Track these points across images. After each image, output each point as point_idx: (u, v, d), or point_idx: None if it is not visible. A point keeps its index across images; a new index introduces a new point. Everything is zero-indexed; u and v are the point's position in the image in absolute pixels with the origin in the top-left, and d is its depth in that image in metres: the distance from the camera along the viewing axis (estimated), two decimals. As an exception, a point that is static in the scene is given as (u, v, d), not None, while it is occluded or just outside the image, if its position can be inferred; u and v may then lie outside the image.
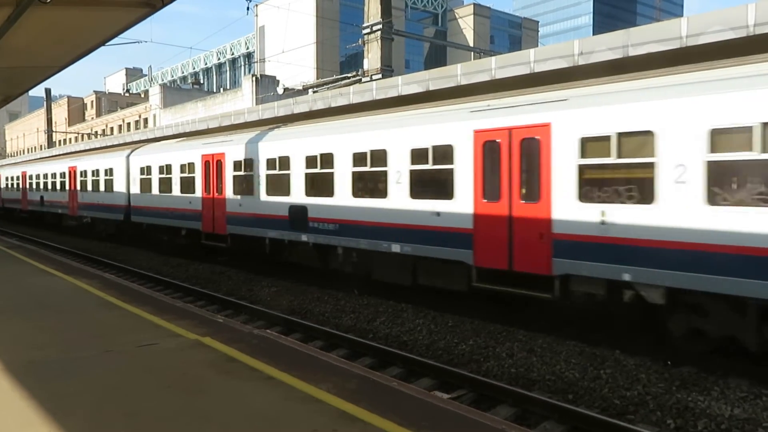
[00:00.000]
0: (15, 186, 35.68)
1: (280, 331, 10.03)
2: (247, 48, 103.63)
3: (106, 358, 6.20)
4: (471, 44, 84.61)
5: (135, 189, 21.08)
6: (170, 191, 18.80)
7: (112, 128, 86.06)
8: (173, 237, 19.31)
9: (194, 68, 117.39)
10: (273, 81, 56.85)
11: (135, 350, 6.50)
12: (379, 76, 24.60)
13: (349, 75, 32.46)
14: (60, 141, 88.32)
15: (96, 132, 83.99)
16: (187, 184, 17.91)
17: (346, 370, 5.90)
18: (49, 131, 72.16)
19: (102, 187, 23.68)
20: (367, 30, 26.12)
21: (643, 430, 6.14)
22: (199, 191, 17.33)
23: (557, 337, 9.17)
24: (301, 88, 43.86)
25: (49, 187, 29.04)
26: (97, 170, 24.16)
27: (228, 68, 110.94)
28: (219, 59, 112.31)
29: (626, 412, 6.68)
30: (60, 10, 10.21)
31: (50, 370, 5.78)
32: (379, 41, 25.59)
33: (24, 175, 33.51)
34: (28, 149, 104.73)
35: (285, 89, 49.03)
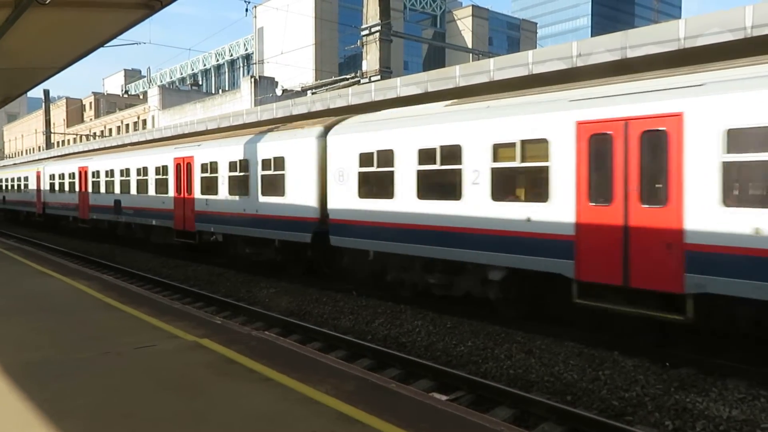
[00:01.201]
0: (67, 186, 27.64)
1: (278, 332, 10.02)
2: (246, 49, 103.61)
3: (105, 360, 6.19)
4: (469, 46, 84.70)
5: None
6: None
7: (110, 130, 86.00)
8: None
9: (193, 69, 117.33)
10: (272, 82, 56.85)
11: (133, 352, 6.49)
12: (378, 77, 24.62)
13: (347, 76, 32.47)
14: (58, 142, 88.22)
15: (95, 133, 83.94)
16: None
17: (344, 372, 5.90)
18: (48, 132, 72.06)
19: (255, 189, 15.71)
20: (366, 31, 26.14)
21: (642, 431, 6.15)
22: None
23: (556, 338, 9.17)
24: (299, 89, 43.88)
25: (134, 187, 21.68)
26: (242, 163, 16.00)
27: (227, 69, 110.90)
28: (218, 60, 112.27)
29: (625, 414, 6.68)
30: (58, 12, 10.20)
31: (48, 372, 5.77)
32: (378, 43, 25.62)
33: (83, 171, 25.77)
34: (26, 150, 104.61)
35: (284, 90, 49.04)
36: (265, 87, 54.88)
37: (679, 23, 11.63)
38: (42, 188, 30.64)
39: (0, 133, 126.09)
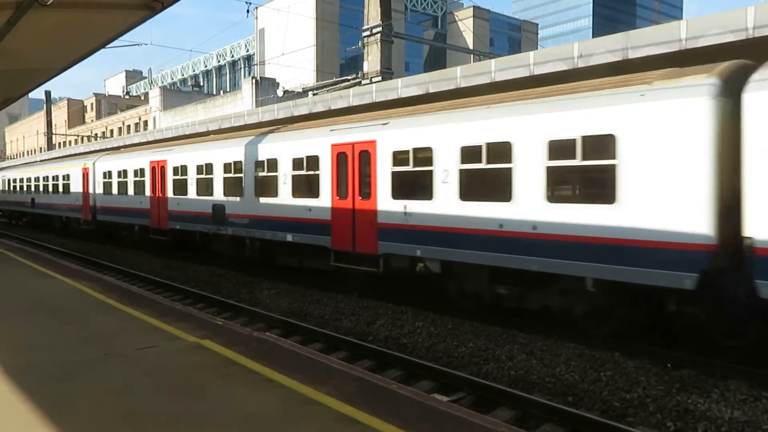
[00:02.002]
0: (132, 187, 21.61)
1: (279, 333, 10.02)
2: (247, 50, 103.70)
3: (106, 361, 6.19)
4: (470, 47, 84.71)
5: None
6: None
7: (111, 130, 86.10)
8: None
9: (194, 71, 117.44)
10: (273, 83, 56.92)
11: (134, 353, 6.49)
12: (379, 78, 24.64)
13: (348, 77, 32.50)
14: (59, 143, 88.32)
15: (96, 134, 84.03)
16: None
17: (345, 373, 5.90)
18: (49, 133, 72.17)
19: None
20: (367, 32, 26.17)
21: (643, 432, 6.14)
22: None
23: (557, 339, 9.16)
24: (300, 90, 43.93)
25: (249, 187, 15.63)
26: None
27: (228, 71, 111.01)
28: (219, 62, 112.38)
29: (626, 415, 6.67)
30: (60, 13, 10.22)
31: (50, 373, 5.78)
32: (379, 44, 25.63)
33: (159, 167, 19.72)
34: (28, 152, 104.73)
35: (285, 92, 49.11)
36: (266, 88, 54.93)
37: (681, 24, 11.64)
38: (92, 189, 24.85)
39: (1, 135, 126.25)
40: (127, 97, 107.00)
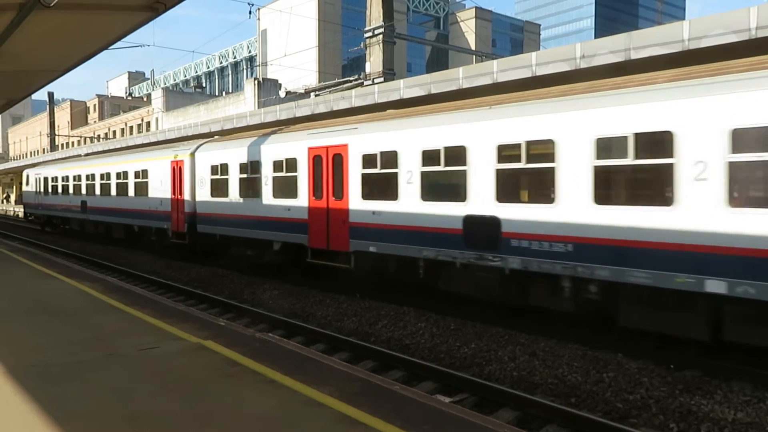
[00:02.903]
0: (270, 187, 15.10)
1: (282, 334, 10.02)
2: (250, 51, 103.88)
3: (108, 362, 6.20)
4: (473, 47, 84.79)
5: None
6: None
7: (114, 132, 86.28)
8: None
9: (197, 72, 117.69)
10: (275, 84, 57.01)
11: (137, 354, 6.50)
12: (381, 79, 24.66)
13: (351, 78, 32.53)
14: (62, 144, 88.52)
15: (98, 135, 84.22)
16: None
17: (348, 374, 5.90)
18: (52, 134, 72.40)
19: None
20: (369, 33, 26.20)
21: (646, 433, 6.12)
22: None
23: (559, 340, 9.15)
24: (303, 91, 43.97)
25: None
26: None
27: (230, 72, 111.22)
28: (221, 63, 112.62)
29: (629, 416, 6.66)
30: (63, 14, 10.24)
31: (52, 374, 5.78)
32: (381, 45, 25.66)
33: (330, 156, 13.34)
34: (30, 152, 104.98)
35: (287, 92, 49.15)
36: (268, 89, 55.03)
37: (683, 25, 11.62)
38: (188, 190, 18.10)
39: (4, 136, 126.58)
40: (129, 98, 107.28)
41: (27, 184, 33.97)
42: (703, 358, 8.06)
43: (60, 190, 28.58)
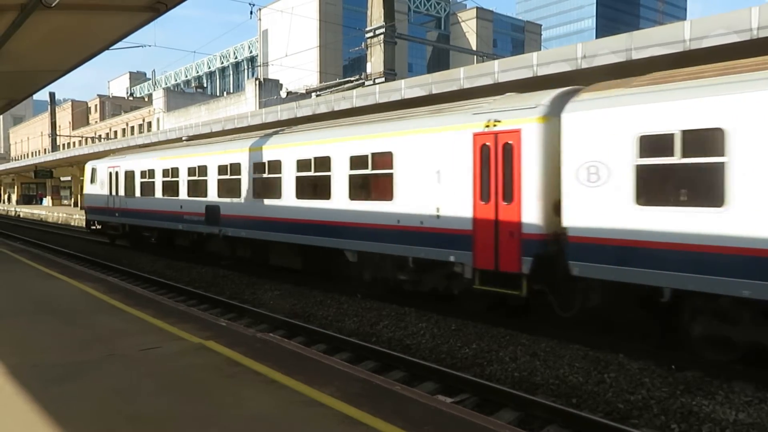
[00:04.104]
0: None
1: (283, 334, 10.02)
2: (251, 52, 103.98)
3: (110, 362, 6.20)
4: (474, 48, 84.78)
5: None
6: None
7: (115, 132, 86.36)
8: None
9: (198, 72, 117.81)
10: (276, 85, 57.04)
11: (138, 354, 6.50)
12: (382, 79, 24.67)
13: (352, 78, 32.55)
14: (63, 145, 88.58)
15: (99, 136, 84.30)
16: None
17: (349, 374, 5.90)
18: (53, 135, 72.51)
19: None
20: (370, 34, 26.22)
21: (648, 434, 6.12)
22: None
23: (560, 341, 9.14)
24: (304, 91, 43.99)
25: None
26: None
27: (231, 72, 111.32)
28: (222, 63, 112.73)
29: (630, 417, 6.65)
30: (64, 15, 10.26)
31: (53, 374, 5.79)
32: (382, 45, 25.68)
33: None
34: (32, 153, 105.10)
35: (288, 93, 49.18)
36: (269, 89, 55.07)
37: (685, 25, 11.61)
38: (540, 185, 9.28)
39: (6, 136, 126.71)
40: (130, 98, 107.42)
41: (92, 181, 24.53)
42: (704, 359, 8.04)
43: (160, 189, 19.60)
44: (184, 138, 23.68)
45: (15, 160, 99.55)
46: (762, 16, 10.31)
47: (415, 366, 8.21)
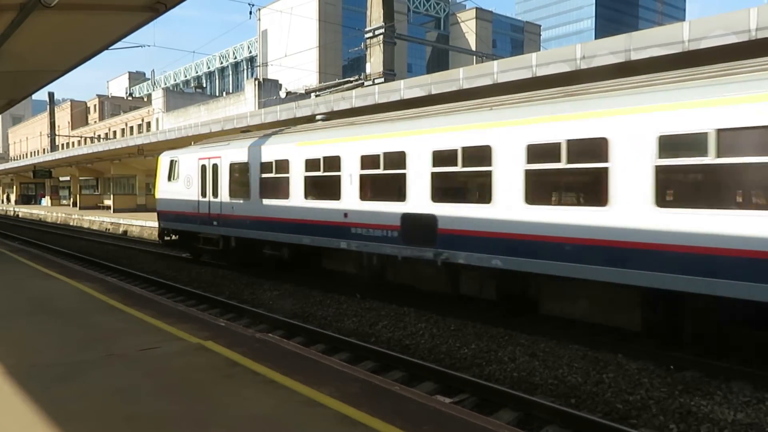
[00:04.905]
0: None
1: (282, 334, 10.02)
2: (250, 52, 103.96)
3: (108, 362, 6.20)
4: (473, 48, 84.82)
5: None
6: None
7: (115, 132, 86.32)
8: None
9: (197, 72, 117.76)
10: (275, 85, 57.00)
11: (137, 354, 6.50)
12: (382, 79, 24.68)
13: (351, 79, 32.56)
14: (62, 145, 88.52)
15: (99, 136, 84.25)
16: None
17: (348, 374, 5.90)
18: (52, 135, 72.49)
19: None
20: (370, 34, 26.22)
21: (646, 434, 6.12)
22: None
23: (559, 341, 9.15)
24: (303, 91, 43.99)
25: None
26: None
27: (231, 72, 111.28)
28: (222, 63, 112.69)
29: (629, 417, 6.66)
30: (63, 15, 10.26)
31: (52, 374, 5.78)
32: (382, 45, 25.69)
33: None
34: (31, 153, 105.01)
35: (287, 93, 49.19)
36: (268, 89, 55.03)
37: (683, 25, 11.62)
38: None
39: (5, 136, 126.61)
40: (130, 98, 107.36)
41: (171, 177, 18.62)
42: (703, 359, 8.06)
43: (299, 188, 13.60)
44: (318, 117, 17.05)
45: (14, 160, 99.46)
46: (761, 17, 10.32)
47: (414, 366, 8.21)
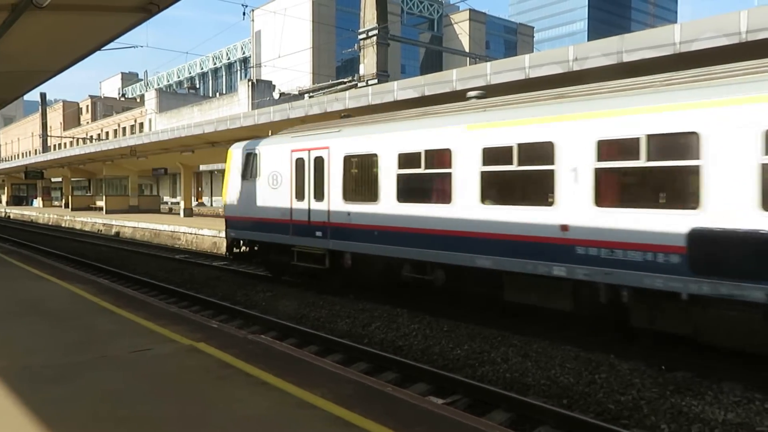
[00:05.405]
0: None
1: (275, 336, 10.01)
2: (243, 53, 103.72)
3: (100, 364, 6.17)
4: (467, 49, 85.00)
5: None
6: None
7: (107, 133, 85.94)
8: None
9: (190, 73, 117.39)
10: (269, 86, 56.97)
11: (129, 356, 6.48)
12: (375, 81, 24.69)
13: (345, 80, 32.56)
14: (55, 146, 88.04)
15: (91, 137, 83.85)
16: None
17: (340, 376, 5.90)
18: (44, 135, 72.09)
19: None
20: (363, 35, 26.23)
21: (638, 434, 6.15)
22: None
23: (552, 341, 9.18)
24: (297, 93, 43.97)
25: None
26: None
27: (224, 73, 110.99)
28: (215, 64, 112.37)
29: (621, 417, 6.69)
30: (55, 15, 10.22)
31: (44, 376, 5.76)
32: (375, 46, 25.70)
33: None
34: (22, 154, 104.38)
35: (281, 94, 49.17)
36: (262, 90, 54.99)
37: (675, 28, 11.70)
38: None
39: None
40: (122, 99, 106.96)
41: (248, 176, 14.94)
42: (694, 359, 8.11)
43: (475, 188, 10.02)
44: (469, 95, 12.08)
45: (5, 161, 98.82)
46: (751, 20, 10.41)
47: (407, 367, 8.22)
